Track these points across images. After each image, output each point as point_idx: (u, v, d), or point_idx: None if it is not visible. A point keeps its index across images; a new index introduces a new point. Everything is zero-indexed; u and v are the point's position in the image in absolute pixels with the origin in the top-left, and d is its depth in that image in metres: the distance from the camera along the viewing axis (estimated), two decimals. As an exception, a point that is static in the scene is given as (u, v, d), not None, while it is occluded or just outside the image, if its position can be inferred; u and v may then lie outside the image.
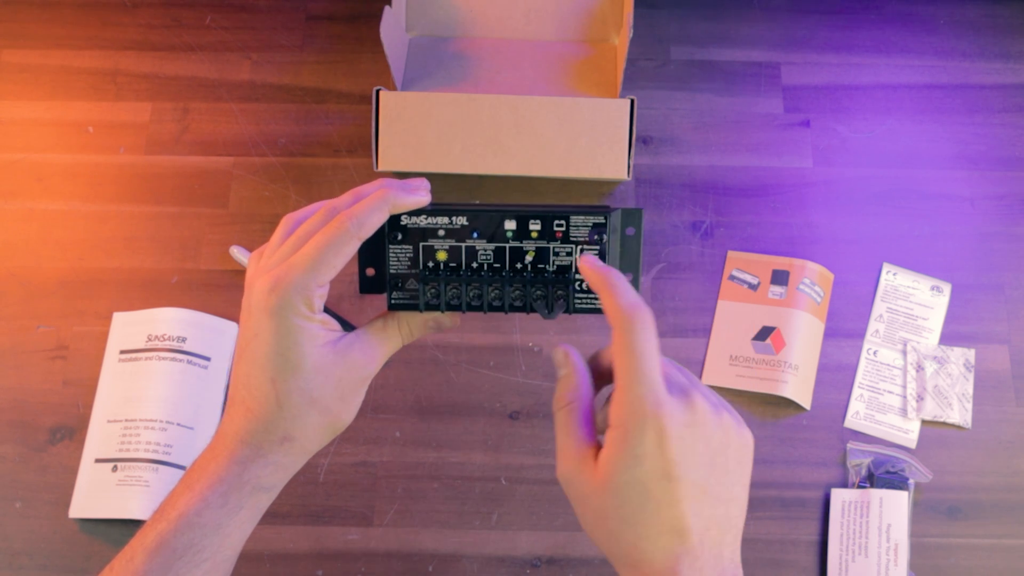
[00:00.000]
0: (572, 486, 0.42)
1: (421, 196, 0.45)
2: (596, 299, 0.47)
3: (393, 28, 0.78)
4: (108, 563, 0.45)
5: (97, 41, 0.87)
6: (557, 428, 0.43)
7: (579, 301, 0.47)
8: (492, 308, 0.47)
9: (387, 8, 0.75)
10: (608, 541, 0.41)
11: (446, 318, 0.48)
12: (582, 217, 0.46)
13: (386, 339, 0.47)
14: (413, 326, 0.47)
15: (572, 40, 0.86)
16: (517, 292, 0.47)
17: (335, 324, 0.45)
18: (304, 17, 0.88)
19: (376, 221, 0.44)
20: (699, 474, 0.40)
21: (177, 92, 0.85)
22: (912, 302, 0.78)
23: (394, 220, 0.46)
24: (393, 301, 0.47)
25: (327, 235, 0.42)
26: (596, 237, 0.46)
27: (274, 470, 0.44)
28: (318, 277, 0.42)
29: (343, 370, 0.44)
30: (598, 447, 0.41)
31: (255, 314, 0.43)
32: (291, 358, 0.43)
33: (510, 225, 0.46)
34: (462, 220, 0.46)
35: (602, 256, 0.47)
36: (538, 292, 0.47)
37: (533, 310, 0.47)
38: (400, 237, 0.46)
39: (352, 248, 0.43)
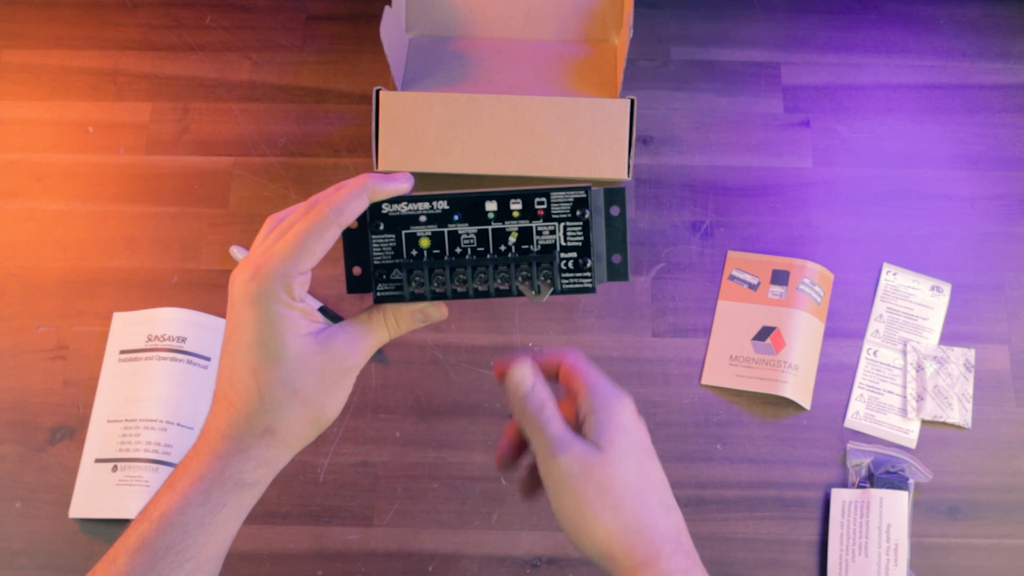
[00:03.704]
0: (575, 465, 0.44)
1: (400, 184, 0.45)
2: (584, 278, 0.46)
3: (393, 28, 0.78)
4: (92, 567, 0.44)
5: (97, 41, 0.87)
6: (538, 428, 0.46)
7: (566, 281, 0.46)
8: (478, 294, 0.46)
9: (387, 8, 0.75)
10: (613, 514, 0.44)
11: (433, 310, 0.47)
12: (562, 193, 0.46)
13: (371, 330, 0.46)
14: (400, 318, 0.47)
15: (572, 40, 0.86)
16: (502, 275, 0.46)
17: (318, 316, 0.45)
18: (304, 17, 0.88)
19: (356, 208, 0.44)
20: (659, 466, 0.47)
21: (177, 92, 0.85)
22: (912, 302, 0.78)
23: (375, 210, 0.46)
24: (379, 294, 0.46)
25: (306, 223, 0.43)
26: (578, 213, 0.46)
27: (256, 465, 0.44)
28: (298, 264, 0.42)
29: (326, 360, 0.44)
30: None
31: (236, 305, 0.43)
32: (272, 347, 0.42)
33: (491, 206, 0.46)
34: (443, 204, 0.46)
35: (586, 233, 0.46)
36: (524, 274, 0.46)
37: (519, 293, 0.46)
38: (382, 227, 0.46)
39: (332, 235, 0.43)
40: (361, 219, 0.46)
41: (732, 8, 0.88)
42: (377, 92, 0.77)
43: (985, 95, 0.85)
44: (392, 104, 0.77)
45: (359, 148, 0.83)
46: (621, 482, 0.45)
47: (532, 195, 0.46)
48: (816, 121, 0.84)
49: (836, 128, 0.84)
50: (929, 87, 0.85)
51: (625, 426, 0.46)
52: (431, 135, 0.78)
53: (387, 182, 0.45)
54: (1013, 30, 0.87)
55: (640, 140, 0.83)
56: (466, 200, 0.46)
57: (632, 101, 0.77)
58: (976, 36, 0.87)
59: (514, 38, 0.86)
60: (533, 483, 0.50)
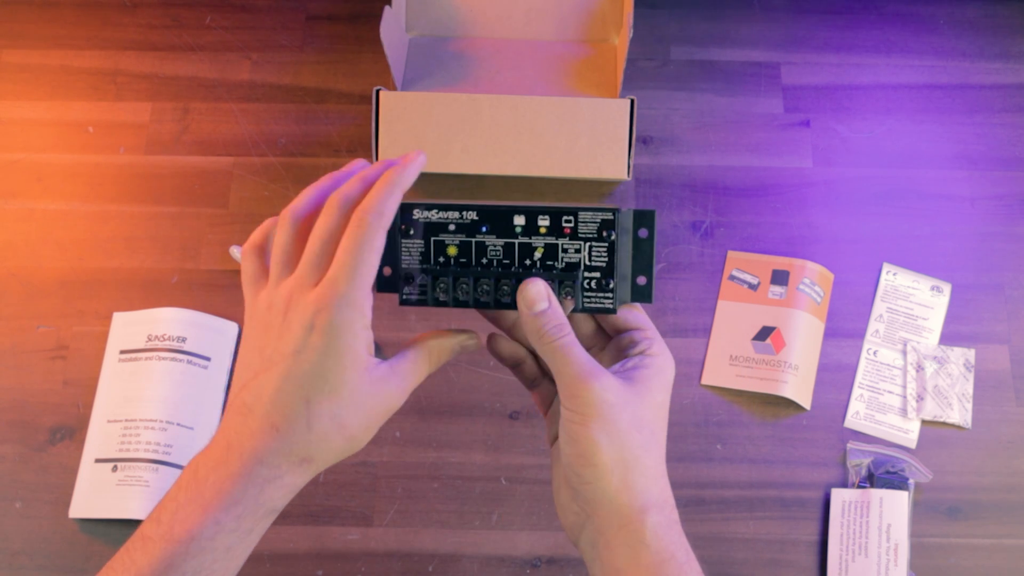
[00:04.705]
0: (610, 390, 0.44)
1: (418, 167, 0.44)
2: (606, 298, 0.47)
3: (393, 28, 0.78)
4: (109, 570, 0.43)
5: (97, 41, 0.87)
6: (561, 352, 0.44)
7: (587, 300, 0.47)
8: (500, 305, 0.47)
9: (387, 8, 0.75)
10: (640, 452, 0.44)
11: (471, 341, 0.48)
12: (590, 213, 0.46)
13: (415, 371, 0.46)
14: (442, 352, 0.47)
15: (572, 40, 0.86)
16: None
17: (372, 347, 0.43)
18: (304, 17, 0.88)
19: (393, 206, 0.42)
20: None
21: (177, 92, 0.85)
22: (912, 302, 0.78)
23: (406, 214, 0.47)
24: (404, 297, 0.47)
25: (356, 238, 0.41)
26: (604, 234, 0.46)
27: (287, 492, 0.43)
28: (363, 282, 0.41)
29: (376, 401, 0.43)
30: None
31: (299, 330, 0.41)
32: (331, 380, 0.41)
33: (519, 220, 0.46)
34: (472, 215, 0.46)
35: (611, 254, 0.46)
36: None
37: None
38: (412, 232, 0.47)
39: (381, 241, 0.41)
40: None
41: (732, 8, 0.88)
42: (377, 92, 0.77)
43: (985, 95, 0.85)
44: (392, 104, 0.77)
45: (359, 148, 0.83)
46: (650, 426, 0.45)
47: (560, 212, 0.46)
48: (816, 121, 0.84)
49: (836, 128, 0.84)
50: (929, 87, 0.85)
51: (668, 381, 0.46)
52: (431, 135, 0.78)
53: (409, 171, 0.44)
54: (1013, 30, 0.87)
55: (640, 140, 0.83)
56: (495, 213, 0.46)
57: (632, 101, 0.77)
58: (976, 36, 0.87)
59: (514, 38, 0.86)
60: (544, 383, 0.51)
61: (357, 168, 0.45)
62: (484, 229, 0.46)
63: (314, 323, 0.41)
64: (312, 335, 0.41)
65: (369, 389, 0.43)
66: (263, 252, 0.45)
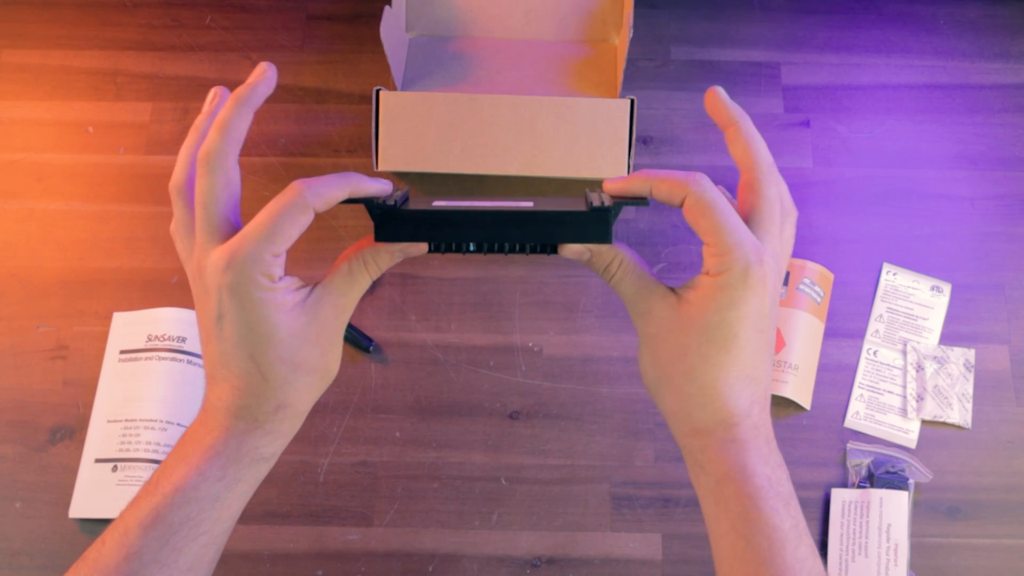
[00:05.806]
0: (652, 322, 0.44)
1: (265, 82, 0.44)
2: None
3: (393, 28, 0.78)
4: (100, 535, 0.44)
5: (97, 41, 0.87)
6: (618, 288, 0.46)
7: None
8: (493, 251, 0.44)
9: (387, 8, 0.75)
10: (682, 380, 0.44)
11: (411, 246, 0.45)
12: (583, 240, 0.44)
13: (352, 282, 0.45)
14: (379, 260, 0.45)
15: (572, 40, 0.86)
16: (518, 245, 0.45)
17: (297, 282, 0.43)
18: (304, 17, 0.88)
19: (334, 196, 0.42)
20: (771, 333, 0.44)
21: (177, 92, 0.85)
22: (912, 302, 0.78)
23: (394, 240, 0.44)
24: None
25: (281, 203, 0.41)
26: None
27: (273, 438, 0.44)
28: (272, 247, 0.41)
29: (319, 327, 0.43)
30: (667, 288, 0.45)
31: (214, 294, 0.42)
32: (263, 331, 0.42)
33: (512, 243, 0.44)
34: (470, 247, 0.44)
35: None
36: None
37: (538, 251, 0.44)
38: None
39: (307, 218, 0.41)
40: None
41: (732, 8, 0.88)
42: (377, 92, 0.77)
43: (985, 95, 0.85)
44: (392, 104, 0.77)
45: (359, 148, 0.83)
46: (698, 352, 0.43)
47: (553, 243, 0.44)
48: (816, 121, 0.84)
49: (836, 128, 0.84)
50: (929, 87, 0.85)
51: (734, 300, 0.42)
52: (431, 135, 0.78)
53: (371, 183, 0.44)
54: (1013, 30, 0.87)
55: (640, 140, 0.83)
56: (488, 248, 0.44)
57: (632, 101, 0.77)
58: (976, 36, 0.87)
59: (514, 38, 0.86)
60: None
61: (216, 108, 0.45)
62: (471, 248, 0.44)
63: (223, 282, 0.41)
64: (225, 296, 0.41)
65: (306, 321, 0.43)
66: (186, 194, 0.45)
